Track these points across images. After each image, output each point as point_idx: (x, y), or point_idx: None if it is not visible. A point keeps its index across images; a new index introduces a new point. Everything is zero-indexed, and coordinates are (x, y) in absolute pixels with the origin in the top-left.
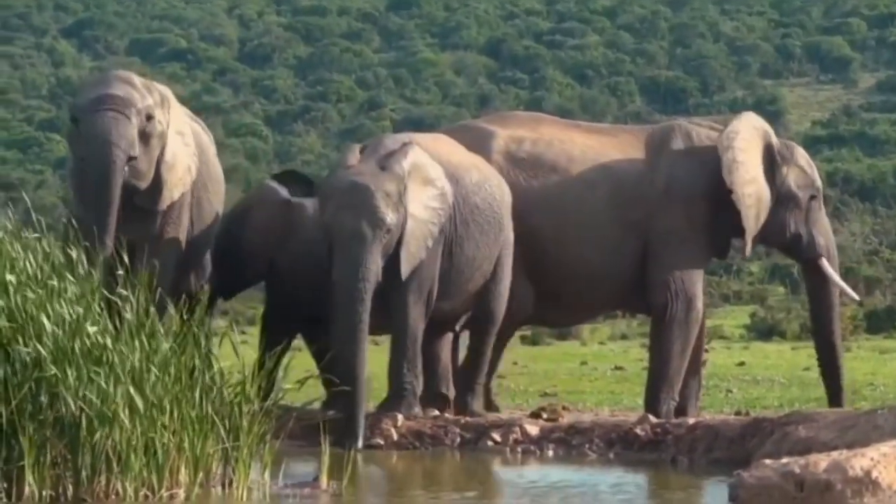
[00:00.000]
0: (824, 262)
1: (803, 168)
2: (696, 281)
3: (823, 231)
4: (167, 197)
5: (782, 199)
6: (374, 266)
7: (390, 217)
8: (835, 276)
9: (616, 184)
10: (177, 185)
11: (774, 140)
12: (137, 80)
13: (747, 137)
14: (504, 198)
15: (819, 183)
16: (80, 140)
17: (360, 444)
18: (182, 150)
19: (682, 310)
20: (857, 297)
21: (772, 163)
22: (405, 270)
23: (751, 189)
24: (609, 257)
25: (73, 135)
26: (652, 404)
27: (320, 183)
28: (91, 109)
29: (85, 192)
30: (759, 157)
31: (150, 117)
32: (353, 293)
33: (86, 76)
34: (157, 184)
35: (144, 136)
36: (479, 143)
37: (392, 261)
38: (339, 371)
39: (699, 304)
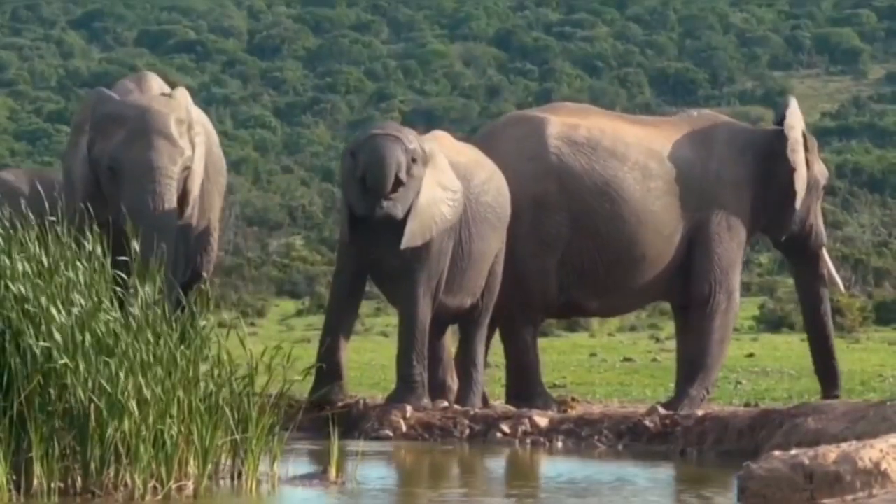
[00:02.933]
0: (825, 253)
1: (819, 159)
2: (737, 272)
3: (821, 222)
4: (191, 199)
5: (811, 188)
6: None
7: (415, 166)
8: (831, 265)
9: (671, 173)
10: (196, 185)
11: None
12: (172, 122)
13: (800, 121)
14: (507, 194)
15: (827, 173)
16: (122, 183)
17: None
18: (198, 148)
19: (723, 300)
20: (843, 288)
21: (805, 150)
22: (405, 243)
23: (803, 171)
24: (662, 245)
25: (105, 173)
26: (684, 390)
27: (348, 147)
28: (141, 186)
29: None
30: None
31: (187, 167)
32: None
33: (95, 68)
34: (182, 193)
35: (183, 173)
36: (534, 130)
37: (397, 232)
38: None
39: (737, 295)
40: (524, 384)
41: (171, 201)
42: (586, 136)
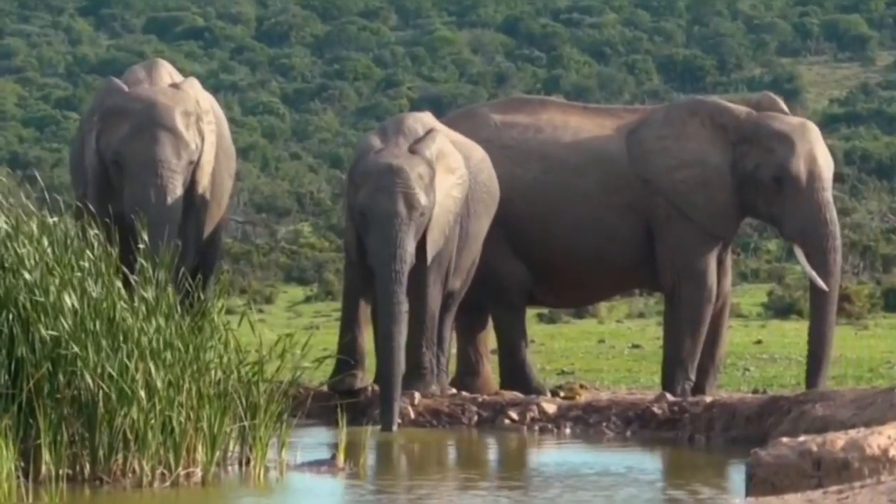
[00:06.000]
0: (795, 248)
1: (768, 147)
2: (703, 258)
3: (800, 214)
4: (201, 182)
5: (743, 179)
6: (410, 247)
7: (424, 199)
8: (803, 262)
9: (608, 168)
10: (206, 173)
11: (731, 118)
12: (177, 116)
13: (674, 124)
14: (495, 176)
15: (786, 162)
16: (126, 177)
17: (395, 426)
18: (208, 137)
19: (690, 289)
20: (825, 286)
21: (724, 142)
22: (430, 256)
23: (682, 174)
24: (601, 240)
25: (111, 166)
26: (668, 385)
27: (350, 168)
28: (145, 179)
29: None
30: (695, 140)
31: (191, 162)
32: (391, 274)
33: (104, 55)
34: (192, 181)
35: (189, 166)
36: (471, 129)
37: (418, 246)
38: (378, 351)
39: (710, 282)
40: (514, 372)
41: (174, 194)
42: (516, 139)
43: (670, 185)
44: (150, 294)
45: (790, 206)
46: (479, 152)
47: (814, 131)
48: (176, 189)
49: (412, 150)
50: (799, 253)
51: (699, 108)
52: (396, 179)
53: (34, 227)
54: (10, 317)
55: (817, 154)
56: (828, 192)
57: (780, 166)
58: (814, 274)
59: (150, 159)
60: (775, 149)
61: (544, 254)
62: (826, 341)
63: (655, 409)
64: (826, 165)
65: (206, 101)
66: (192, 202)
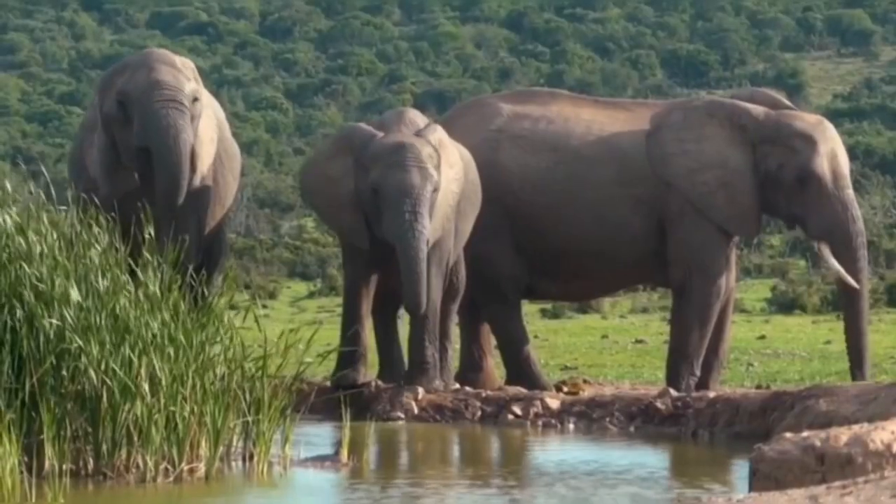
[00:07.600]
0: (820, 247)
1: (790, 146)
2: (713, 253)
3: (826, 214)
4: (199, 169)
5: (765, 179)
6: (427, 220)
7: (435, 175)
8: (831, 261)
9: (621, 160)
10: (205, 159)
11: (751, 119)
12: (175, 58)
13: (693, 126)
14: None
15: (810, 161)
16: (135, 127)
17: (424, 306)
18: (206, 121)
19: (700, 285)
20: (856, 284)
21: (745, 143)
22: (433, 241)
23: (703, 176)
24: (610, 232)
25: (116, 118)
26: (672, 381)
27: (357, 153)
28: (148, 99)
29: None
30: (715, 141)
31: (196, 99)
32: (413, 233)
33: (107, 50)
34: (191, 158)
35: (194, 103)
36: (480, 120)
37: None
38: (410, 309)
39: (720, 279)
40: (518, 370)
41: (182, 113)
42: (528, 128)
43: (691, 187)
44: (154, 288)
45: (815, 205)
46: (466, 153)
47: (832, 129)
48: (184, 108)
49: (418, 135)
50: (826, 252)
51: (717, 109)
52: (409, 154)
53: (44, 219)
54: (16, 311)
55: (838, 152)
56: (850, 190)
57: (804, 166)
58: (844, 273)
59: (153, 83)
60: (799, 148)
61: (551, 244)
62: (865, 334)
63: (659, 405)
64: (845, 163)
65: (206, 99)
66: (195, 198)
